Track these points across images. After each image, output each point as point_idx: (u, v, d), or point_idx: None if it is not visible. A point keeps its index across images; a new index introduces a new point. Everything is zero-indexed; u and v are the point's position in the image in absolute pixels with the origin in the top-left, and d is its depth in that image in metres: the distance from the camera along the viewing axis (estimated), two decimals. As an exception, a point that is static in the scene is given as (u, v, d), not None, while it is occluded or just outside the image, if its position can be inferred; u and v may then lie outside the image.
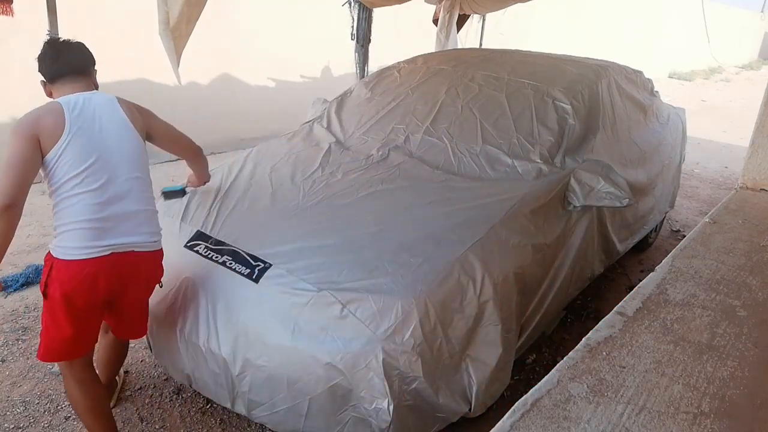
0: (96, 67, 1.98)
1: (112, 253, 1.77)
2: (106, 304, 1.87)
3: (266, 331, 1.87)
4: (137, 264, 1.86)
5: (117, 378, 2.40)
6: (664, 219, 4.15)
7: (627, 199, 2.42)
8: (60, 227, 1.77)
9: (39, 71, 1.88)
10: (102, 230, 1.76)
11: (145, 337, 2.29)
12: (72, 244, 1.74)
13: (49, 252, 1.79)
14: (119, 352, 2.23)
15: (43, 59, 1.86)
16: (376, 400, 1.75)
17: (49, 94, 1.91)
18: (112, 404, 2.29)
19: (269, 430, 2.22)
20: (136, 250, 1.83)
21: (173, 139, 2.12)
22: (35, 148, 1.69)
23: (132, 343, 2.72)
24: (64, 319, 1.78)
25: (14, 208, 1.65)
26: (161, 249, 1.97)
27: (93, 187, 1.75)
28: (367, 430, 1.82)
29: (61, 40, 1.91)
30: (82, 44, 1.95)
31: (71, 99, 1.81)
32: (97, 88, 1.97)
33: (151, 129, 2.02)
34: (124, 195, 1.82)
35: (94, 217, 1.75)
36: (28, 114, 1.75)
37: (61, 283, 1.74)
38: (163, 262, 2.02)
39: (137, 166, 1.87)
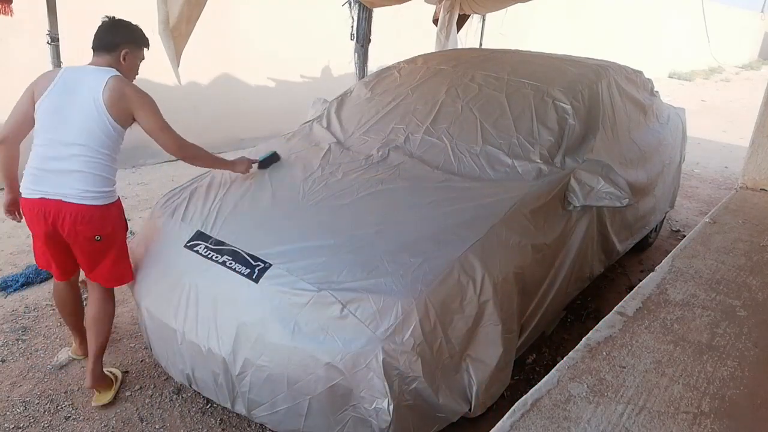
0: (133, 48, 2.20)
1: (41, 197, 2.07)
2: (56, 241, 2.15)
3: (266, 331, 1.87)
4: (62, 211, 2.07)
5: (114, 377, 2.40)
6: (664, 219, 4.15)
7: (627, 199, 2.42)
8: (24, 168, 2.13)
9: None
10: (40, 177, 2.08)
11: (144, 337, 2.30)
12: (23, 183, 2.12)
13: None
14: (100, 308, 2.30)
15: None
16: (376, 400, 1.75)
17: None
18: (108, 400, 2.30)
19: (269, 430, 2.22)
20: (63, 200, 2.06)
21: (149, 134, 2.19)
22: (29, 100, 2.11)
23: (132, 342, 2.73)
24: (34, 241, 2.24)
25: (5, 142, 2.13)
26: (97, 206, 2.11)
27: (45, 143, 2.08)
28: (367, 430, 1.82)
29: (110, 18, 2.20)
30: (123, 24, 2.20)
31: (73, 68, 2.15)
32: (122, 65, 2.16)
33: (137, 118, 2.15)
34: (67, 155, 2.06)
35: (38, 166, 2.09)
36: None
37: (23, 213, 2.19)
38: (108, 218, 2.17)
39: (88, 136, 2.07)
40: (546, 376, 1.50)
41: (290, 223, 2.23)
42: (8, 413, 2.26)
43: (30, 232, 2.20)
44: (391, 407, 1.74)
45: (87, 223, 2.11)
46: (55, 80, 2.08)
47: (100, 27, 2.17)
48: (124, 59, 2.17)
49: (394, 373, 1.75)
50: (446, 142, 2.74)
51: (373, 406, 1.76)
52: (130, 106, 2.10)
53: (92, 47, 2.16)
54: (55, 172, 2.07)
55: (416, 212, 2.26)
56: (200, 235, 2.22)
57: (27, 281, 3.21)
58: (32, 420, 2.24)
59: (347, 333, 1.79)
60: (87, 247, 2.15)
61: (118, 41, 2.16)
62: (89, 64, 2.16)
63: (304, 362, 1.80)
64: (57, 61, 2.79)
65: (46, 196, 2.06)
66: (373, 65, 5.03)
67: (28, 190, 2.09)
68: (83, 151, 2.06)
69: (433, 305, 1.84)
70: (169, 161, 5.74)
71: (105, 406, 2.30)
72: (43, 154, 2.08)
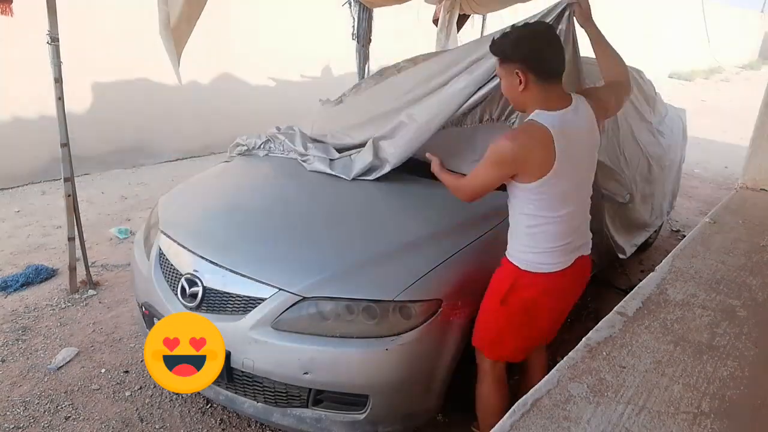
0: None
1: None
2: None
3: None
4: None
5: None
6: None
7: (627, 194, 2.44)
8: None
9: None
10: None
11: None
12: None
13: None
14: None
15: None
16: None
17: None
18: None
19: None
20: None
21: None
22: None
23: (132, 342, 2.73)
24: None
25: None
26: None
27: None
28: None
29: None
30: None
31: None
32: None
33: None
34: None
35: None
36: None
37: None
38: None
39: None
40: (546, 376, 1.50)
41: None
42: (8, 413, 2.26)
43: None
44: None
45: None
46: None
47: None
48: None
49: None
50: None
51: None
52: None
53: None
54: None
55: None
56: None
57: (27, 281, 3.21)
58: (32, 420, 2.23)
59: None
60: None
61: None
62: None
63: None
64: (57, 61, 2.78)
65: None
66: (374, 65, 5.03)
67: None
68: None
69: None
70: (169, 161, 5.73)
71: (105, 406, 2.30)
72: None
